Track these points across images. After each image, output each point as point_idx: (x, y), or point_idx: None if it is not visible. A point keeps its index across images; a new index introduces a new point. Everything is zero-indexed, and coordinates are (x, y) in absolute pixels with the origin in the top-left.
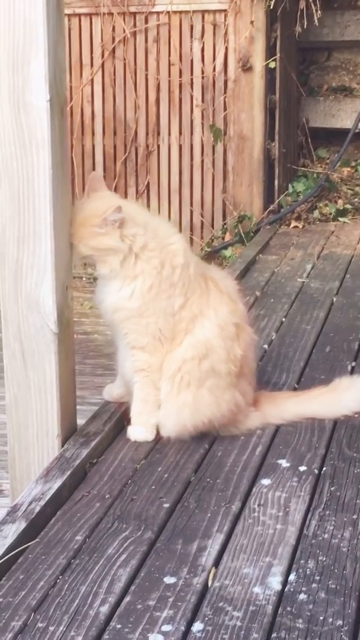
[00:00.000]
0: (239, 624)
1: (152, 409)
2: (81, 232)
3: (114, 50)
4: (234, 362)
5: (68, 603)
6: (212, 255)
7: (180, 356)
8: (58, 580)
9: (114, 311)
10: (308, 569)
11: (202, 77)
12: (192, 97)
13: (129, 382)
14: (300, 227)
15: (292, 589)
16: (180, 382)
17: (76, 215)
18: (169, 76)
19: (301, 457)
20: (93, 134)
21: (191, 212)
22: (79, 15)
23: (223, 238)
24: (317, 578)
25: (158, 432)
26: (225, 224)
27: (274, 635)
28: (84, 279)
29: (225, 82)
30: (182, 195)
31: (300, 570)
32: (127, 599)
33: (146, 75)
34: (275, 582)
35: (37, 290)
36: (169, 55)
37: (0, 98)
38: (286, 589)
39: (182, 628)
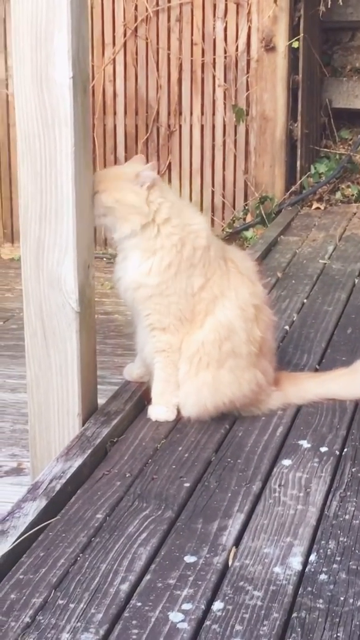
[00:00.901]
0: (259, 603)
1: (173, 389)
2: (110, 183)
3: (136, 29)
4: (254, 343)
5: (88, 581)
6: (233, 236)
7: (201, 338)
8: (78, 558)
9: (135, 288)
10: (329, 550)
11: (225, 57)
12: (214, 77)
13: (150, 364)
14: (322, 208)
15: (312, 570)
16: (198, 362)
17: (109, 171)
18: (192, 56)
19: (322, 438)
20: (115, 113)
21: (212, 192)
22: None
23: (244, 219)
24: (338, 559)
25: (179, 412)
26: (246, 204)
27: (294, 615)
28: (104, 259)
29: (248, 62)
30: (203, 176)
31: (321, 551)
32: (148, 577)
33: (168, 55)
34: (295, 562)
35: (59, 268)
36: (192, 35)
37: (24, 74)
38: (307, 570)
39: (203, 607)
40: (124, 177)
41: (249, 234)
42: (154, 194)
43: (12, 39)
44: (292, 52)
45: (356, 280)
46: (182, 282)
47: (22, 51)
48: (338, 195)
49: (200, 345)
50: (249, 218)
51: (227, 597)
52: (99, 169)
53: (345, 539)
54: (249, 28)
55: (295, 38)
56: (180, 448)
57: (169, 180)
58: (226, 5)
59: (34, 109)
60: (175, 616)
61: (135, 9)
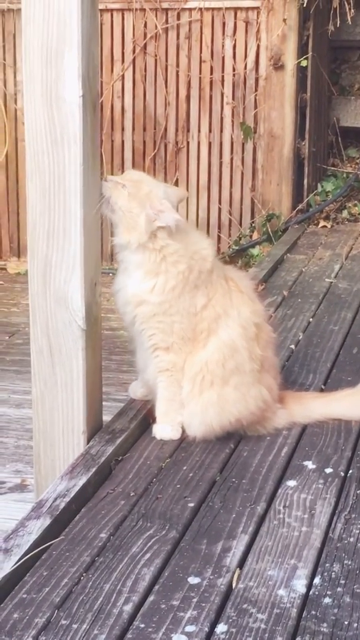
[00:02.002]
0: (263, 626)
1: (177, 408)
2: (137, 189)
3: (145, 46)
4: (255, 360)
5: (92, 601)
6: (240, 254)
7: (205, 358)
8: (82, 578)
9: (137, 303)
10: (333, 573)
11: (233, 75)
12: (222, 94)
13: (153, 385)
14: (329, 226)
15: (317, 593)
16: (202, 381)
17: (145, 178)
18: (200, 73)
19: (327, 459)
20: (123, 129)
21: (219, 209)
22: (111, 10)
23: (251, 236)
24: (342, 582)
25: (184, 431)
26: (253, 222)
27: (298, 638)
28: (110, 274)
29: (257, 80)
30: (210, 193)
31: (326, 574)
32: (151, 598)
33: (177, 72)
34: (300, 585)
35: (66, 286)
36: (201, 52)
37: (34, 92)
38: (311, 592)
39: (206, 629)
40: (152, 197)
41: (255, 251)
42: (162, 234)
43: (22, 56)
44: (301, 71)
45: None
46: (186, 302)
47: (32, 69)
48: (345, 213)
49: (204, 364)
50: (255, 235)
51: (230, 620)
52: None
53: (349, 562)
54: (258, 46)
55: (304, 57)
56: (184, 467)
57: None
58: (235, 23)
59: (43, 126)
60: (178, 638)
61: (145, 26)
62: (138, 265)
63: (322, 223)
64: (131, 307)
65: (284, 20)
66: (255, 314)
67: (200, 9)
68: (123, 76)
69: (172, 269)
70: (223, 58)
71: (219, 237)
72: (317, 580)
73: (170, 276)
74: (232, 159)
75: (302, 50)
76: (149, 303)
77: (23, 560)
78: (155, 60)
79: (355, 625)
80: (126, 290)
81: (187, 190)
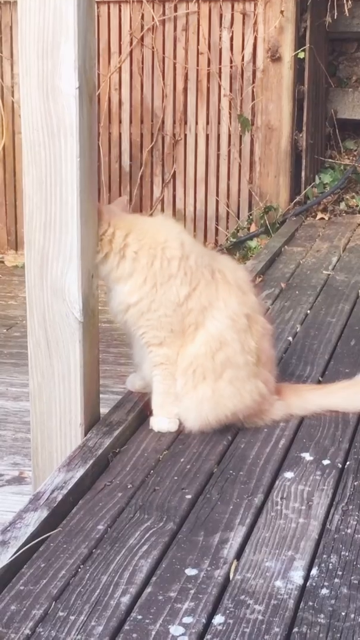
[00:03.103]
0: (260, 617)
1: (173, 400)
2: None
3: (142, 38)
4: (250, 353)
5: (89, 593)
6: (237, 246)
7: (193, 352)
8: (79, 570)
9: (125, 310)
10: (330, 564)
11: (231, 67)
12: (220, 86)
13: (150, 380)
14: (327, 219)
15: (314, 584)
16: (193, 375)
17: None
18: (197, 65)
19: (325, 450)
20: (120, 122)
21: (217, 202)
22: (108, 2)
23: (249, 229)
24: (340, 573)
25: (181, 423)
26: (251, 214)
27: (295, 629)
28: None
29: (254, 72)
30: (208, 185)
31: (323, 565)
32: (148, 589)
33: (174, 64)
34: (297, 577)
35: (63, 278)
36: (198, 44)
37: (30, 84)
38: (308, 584)
39: (203, 620)
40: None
41: (253, 243)
42: (120, 234)
43: (19, 48)
44: (298, 63)
45: None
46: (166, 294)
47: (28, 61)
48: (342, 205)
49: (194, 358)
50: (253, 228)
51: (227, 611)
52: (104, 178)
53: (347, 553)
54: (255, 38)
55: (301, 48)
56: (182, 459)
57: (174, 189)
58: (232, 15)
59: (40, 118)
60: (175, 630)
61: (142, 18)
62: (112, 278)
63: (319, 215)
64: (121, 315)
65: (282, 12)
66: (245, 305)
67: (198, 0)
68: (120, 68)
69: (136, 264)
70: (220, 50)
71: (216, 230)
72: (314, 572)
73: (138, 272)
74: (229, 151)
75: (299, 42)
76: (133, 305)
77: (20, 552)
78: (153, 52)
79: (352, 616)
80: (113, 301)
81: (185, 182)
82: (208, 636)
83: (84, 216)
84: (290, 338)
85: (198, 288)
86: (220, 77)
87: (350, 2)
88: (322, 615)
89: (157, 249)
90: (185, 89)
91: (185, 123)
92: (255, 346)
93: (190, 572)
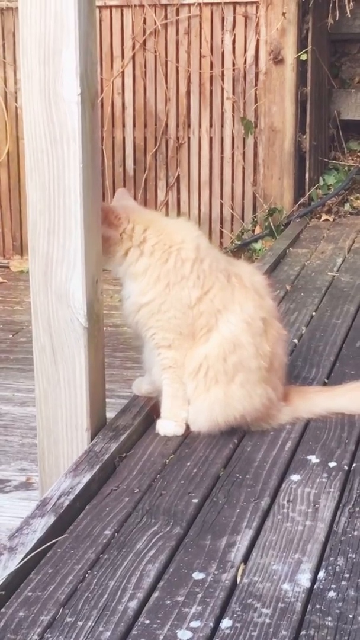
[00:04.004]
0: (267, 621)
1: (181, 404)
2: None
3: (144, 42)
4: (263, 357)
5: (97, 598)
6: (242, 249)
7: (204, 352)
8: (87, 575)
9: (136, 311)
10: (337, 567)
11: (233, 70)
12: (222, 89)
13: (159, 384)
14: (331, 220)
15: (321, 587)
16: (205, 377)
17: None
18: (200, 68)
19: (331, 453)
20: (123, 126)
21: (221, 204)
22: (110, 7)
23: (253, 231)
24: (347, 575)
25: (187, 427)
26: (255, 217)
27: (302, 632)
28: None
29: (257, 74)
30: (212, 188)
31: (330, 568)
32: (156, 594)
33: (177, 68)
34: (304, 579)
35: (67, 284)
36: (200, 48)
37: (31, 91)
38: (315, 586)
39: (211, 624)
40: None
41: (257, 246)
42: (139, 229)
43: (20, 55)
44: (301, 65)
45: None
46: (177, 295)
47: (29, 67)
48: (347, 207)
49: (203, 358)
50: (257, 230)
51: (235, 615)
52: (108, 182)
53: (354, 556)
54: (257, 41)
55: (304, 50)
56: (188, 463)
57: (178, 192)
58: (234, 18)
59: (42, 125)
60: (183, 634)
61: (144, 22)
62: (127, 274)
63: (324, 217)
64: (132, 315)
65: (283, 14)
66: (261, 309)
67: (199, 4)
68: (123, 72)
69: (151, 259)
70: (223, 53)
71: (221, 232)
72: (321, 574)
73: (152, 268)
74: (233, 154)
75: (301, 44)
76: (144, 305)
77: (28, 558)
78: (155, 56)
79: None
80: (127, 301)
81: (189, 185)
82: None
83: (87, 222)
84: (295, 340)
85: (211, 291)
86: (222, 80)
87: (352, 3)
88: (329, 618)
89: (173, 247)
90: (188, 92)
91: (189, 126)
92: (270, 350)
93: (198, 576)
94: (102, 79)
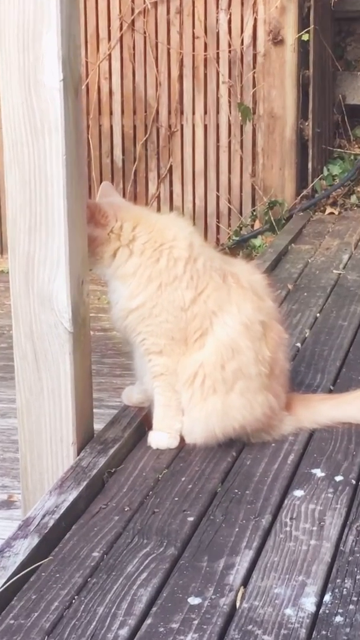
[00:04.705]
0: None
1: (175, 414)
2: None
3: (133, 22)
4: (263, 363)
5: (84, 625)
6: (241, 245)
7: (200, 359)
8: (73, 601)
9: (125, 317)
10: (345, 589)
11: (229, 52)
12: (218, 73)
13: (151, 393)
14: (337, 213)
15: (327, 611)
16: (202, 386)
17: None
18: (193, 50)
19: (337, 466)
20: (111, 113)
21: (217, 197)
22: None
23: (252, 226)
24: (355, 599)
25: (182, 439)
26: (254, 210)
27: None
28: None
29: (254, 56)
30: (207, 180)
31: (337, 590)
32: (148, 621)
33: (168, 50)
34: (309, 603)
35: (50, 285)
36: (193, 28)
37: (10, 78)
38: (321, 611)
39: None
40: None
41: (257, 242)
42: (128, 226)
43: None
44: (302, 45)
45: None
46: (169, 297)
47: (8, 53)
48: (353, 199)
49: (199, 366)
50: (257, 225)
51: None
52: (94, 174)
53: None
54: (255, 20)
55: (305, 30)
56: (183, 478)
57: (170, 184)
58: None
59: (22, 114)
60: None
61: (132, 0)
62: (114, 276)
63: (329, 210)
64: (121, 321)
65: None
66: (260, 311)
67: None
68: (110, 55)
69: (142, 258)
70: (218, 34)
71: (217, 228)
72: (327, 598)
73: (143, 268)
74: (229, 143)
75: (303, 23)
76: (134, 309)
77: (9, 583)
78: (145, 37)
79: None
80: (115, 307)
81: (182, 177)
82: None
83: (71, 218)
84: (298, 344)
85: (205, 292)
86: (218, 62)
87: None
88: None
89: (165, 245)
90: (180, 77)
91: (182, 113)
92: (270, 355)
93: (194, 601)
94: (87, 63)
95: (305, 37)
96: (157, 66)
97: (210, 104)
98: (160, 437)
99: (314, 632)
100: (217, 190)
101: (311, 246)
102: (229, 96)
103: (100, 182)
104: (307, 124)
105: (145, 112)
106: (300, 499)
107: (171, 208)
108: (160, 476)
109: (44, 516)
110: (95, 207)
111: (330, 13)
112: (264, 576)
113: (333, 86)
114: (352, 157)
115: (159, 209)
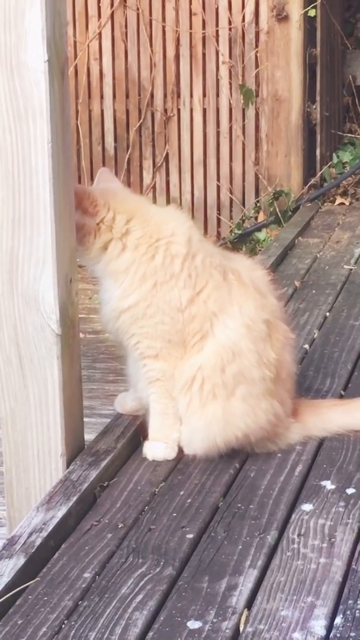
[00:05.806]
0: None
1: (172, 423)
2: None
3: None
4: (268, 366)
5: None
6: (244, 239)
7: (199, 363)
8: (63, 626)
9: (116, 318)
10: (357, 611)
11: (230, 29)
12: (217, 52)
13: (146, 401)
14: (347, 203)
15: (338, 634)
16: (200, 391)
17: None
18: (190, 28)
19: (349, 477)
20: (102, 97)
21: (218, 187)
22: None
23: (256, 218)
24: None
25: (180, 450)
26: (258, 201)
27: None
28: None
29: (257, 34)
30: (207, 168)
31: (348, 612)
32: None
33: (163, 28)
34: (318, 627)
35: (36, 284)
36: (190, 4)
37: None
38: (331, 635)
39: None
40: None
41: (261, 235)
42: (121, 219)
43: None
44: (308, 22)
45: None
46: (165, 297)
47: None
48: None
49: (198, 370)
50: (261, 217)
51: None
52: (84, 163)
53: None
54: None
55: (312, 5)
56: (182, 492)
57: (167, 174)
58: None
59: (4, 98)
60: None
61: None
62: (105, 272)
63: (339, 200)
64: (112, 322)
65: None
66: (264, 310)
67: None
68: (100, 34)
69: (137, 255)
70: (217, 9)
71: (218, 220)
72: (338, 620)
73: (137, 265)
74: (231, 128)
75: None
76: (127, 309)
77: None
78: (138, 14)
79: None
80: (106, 306)
81: (180, 165)
82: None
83: (58, 210)
84: (306, 346)
85: (204, 291)
86: (217, 41)
87: None
88: None
89: (161, 241)
90: (177, 57)
91: (179, 96)
92: (275, 358)
93: (193, 625)
94: (75, 42)
95: (311, 13)
96: (151, 46)
97: (209, 86)
98: (157, 448)
99: None
100: (218, 179)
101: (320, 239)
102: (230, 77)
103: (92, 171)
104: (314, 107)
105: (139, 95)
106: (308, 514)
107: (168, 199)
108: (156, 490)
109: (30, 534)
110: (84, 193)
111: None
112: (270, 597)
113: (342, 66)
114: None
115: (154, 201)
